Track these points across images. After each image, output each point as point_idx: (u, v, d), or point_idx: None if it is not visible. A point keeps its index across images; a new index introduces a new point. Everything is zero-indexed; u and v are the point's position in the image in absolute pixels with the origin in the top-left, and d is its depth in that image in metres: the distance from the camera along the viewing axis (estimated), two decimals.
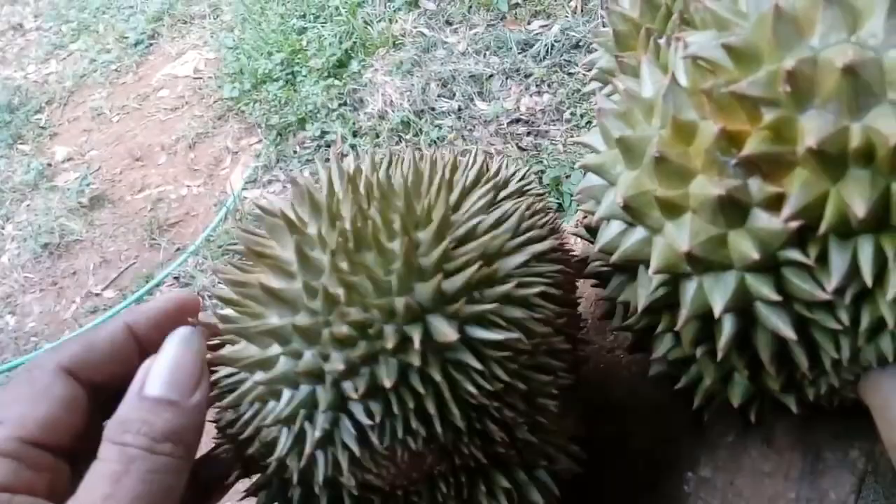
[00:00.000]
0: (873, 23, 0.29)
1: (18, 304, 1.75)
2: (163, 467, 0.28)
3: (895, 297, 0.28)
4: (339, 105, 2.06)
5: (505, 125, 1.95)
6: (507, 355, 0.30)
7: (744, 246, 0.30)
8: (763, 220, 0.30)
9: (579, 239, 0.50)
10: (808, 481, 0.39)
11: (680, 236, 0.32)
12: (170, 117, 2.26)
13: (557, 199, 1.66)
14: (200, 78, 2.37)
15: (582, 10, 2.09)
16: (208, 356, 0.31)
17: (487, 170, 0.39)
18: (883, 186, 0.28)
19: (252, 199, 1.91)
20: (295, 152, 1.95)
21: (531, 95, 2.01)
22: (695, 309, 0.32)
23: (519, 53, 2.04)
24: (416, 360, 0.28)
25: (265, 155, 1.96)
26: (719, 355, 0.32)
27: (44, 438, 0.29)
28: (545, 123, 1.94)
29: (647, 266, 0.34)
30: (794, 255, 0.30)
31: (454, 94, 2.01)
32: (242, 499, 0.35)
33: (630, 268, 0.36)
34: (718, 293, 0.31)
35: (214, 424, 0.32)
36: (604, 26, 0.49)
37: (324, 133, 1.99)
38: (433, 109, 1.99)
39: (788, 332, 0.30)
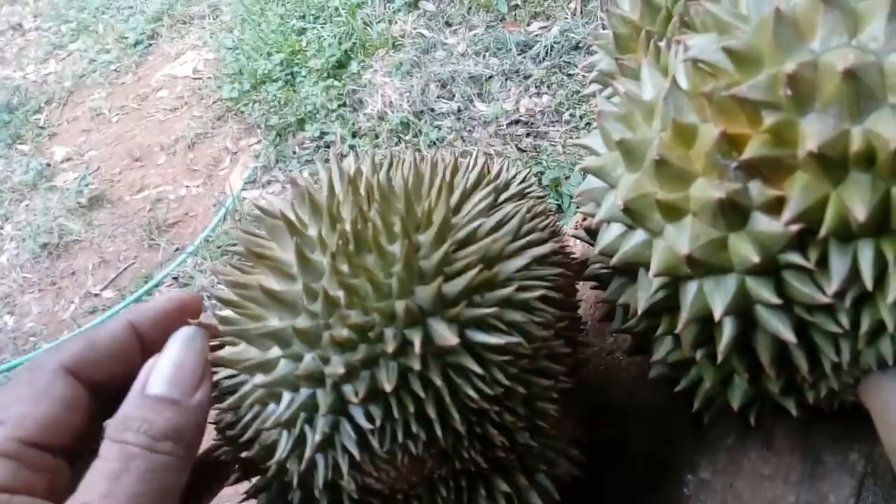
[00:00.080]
0: (874, 26, 0.29)
1: (17, 304, 1.74)
2: (162, 466, 0.28)
3: (895, 302, 0.28)
4: (339, 106, 2.06)
5: (504, 126, 1.95)
6: (507, 359, 0.30)
7: (744, 249, 0.30)
8: (763, 223, 0.30)
9: (579, 241, 0.50)
10: (807, 484, 0.39)
11: (680, 239, 0.32)
12: (169, 118, 2.26)
13: (557, 200, 1.66)
14: (200, 78, 2.37)
15: (581, 12, 2.09)
16: (209, 357, 0.31)
17: (488, 172, 0.39)
18: (883, 190, 0.28)
19: (251, 199, 1.90)
20: (294, 153, 1.95)
21: (530, 97, 2.01)
22: (695, 312, 0.32)
23: (518, 55, 2.05)
24: (416, 364, 0.28)
25: (264, 155, 1.96)
26: (719, 358, 0.32)
27: (43, 439, 0.29)
28: (544, 125, 1.94)
29: (648, 269, 0.34)
30: (795, 258, 0.30)
31: (453, 96, 2.02)
32: (242, 501, 0.35)
33: (630, 270, 0.36)
34: (719, 296, 0.31)
35: (214, 426, 0.32)
36: (603, 28, 0.49)
37: (323, 134, 1.99)
38: (432, 110, 1.99)
39: (788, 336, 0.30)
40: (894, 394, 0.31)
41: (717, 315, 0.31)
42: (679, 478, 0.41)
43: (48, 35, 2.89)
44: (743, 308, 0.31)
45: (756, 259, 0.29)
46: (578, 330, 0.41)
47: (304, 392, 0.29)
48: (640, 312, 0.35)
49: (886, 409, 0.31)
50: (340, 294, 0.28)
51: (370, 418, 0.28)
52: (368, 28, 2.21)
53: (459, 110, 2.01)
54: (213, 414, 0.32)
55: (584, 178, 0.39)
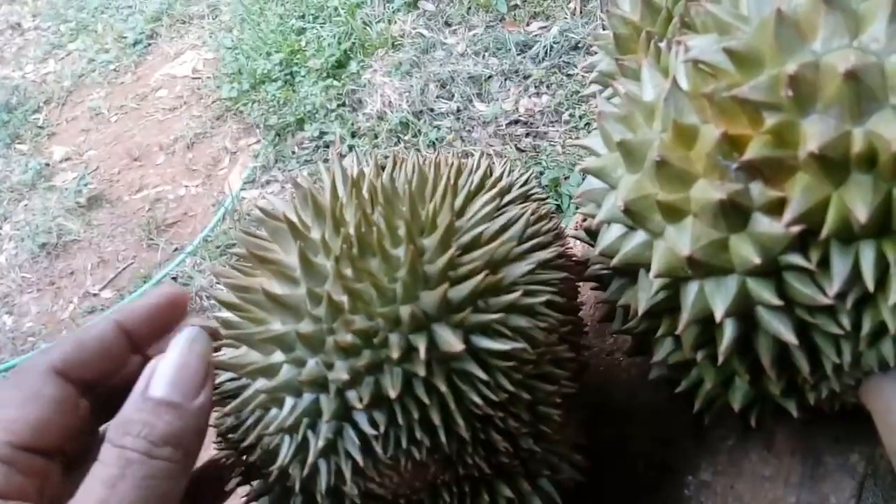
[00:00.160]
0: (875, 27, 0.29)
1: (16, 304, 1.74)
2: (160, 473, 0.27)
3: None
4: (338, 105, 2.06)
5: (504, 126, 1.95)
6: (512, 365, 0.30)
7: (745, 250, 0.30)
8: (764, 224, 0.30)
9: (579, 241, 0.50)
10: (808, 486, 0.39)
11: (681, 240, 0.31)
12: (168, 117, 2.26)
13: (556, 200, 1.66)
14: (199, 78, 2.36)
15: (581, 12, 2.09)
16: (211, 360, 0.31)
17: (491, 174, 0.39)
18: (885, 191, 0.28)
19: (250, 199, 1.90)
20: (293, 153, 1.95)
21: (530, 97, 2.01)
22: (696, 313, 0.32)
23: (518, 55, 2.05)
24: (421, 370, 0.27)
25: (263, 155, 1.96)
26: (720, 359, 0.32)
27: (34, 442, 0.29)
28: (544, 125, 1.94)
29: (648, 270, 0.33)
30: (796, 259, 0.29)
31: (453, 95, 2.02)
32: None
33: (630, 271, 0.36)
34: (719, 297, 0.31)
35: (216, 430, 0.32)
36: (603, 28, 0.49)
37: (322, 133, 1.99)
38: (432, 110, 1.99)
39: (790, 337, 0.30)
40: (895, 395, 0.31)
41: (718, 316, 0.31)
42: (679, 479, 0.41)
43: (47, 34, 2.88)
44: (744, 309, 0.31)
45: (757, 260, 0.29)
46: (581, 333, 0.40)
47: (308, 397, 0.28)
48: (640, 313, 0.35)
49: (888, 410, 0.31)
50: (344, 299, 0.28)
51: (374, 424, 0.28)
52: (368, 28, 2.21)
53: (459, 110, 2.01)
54: (214, 417, 0.32)
55: (583, 179, 0.39)
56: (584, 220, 0.45)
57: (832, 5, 0.30)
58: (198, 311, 1.60)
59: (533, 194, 0.40)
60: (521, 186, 0.39)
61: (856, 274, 0.29)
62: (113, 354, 0.31)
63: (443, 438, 0.29)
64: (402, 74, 2.06)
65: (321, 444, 0.28)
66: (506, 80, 2.06)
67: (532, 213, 0.36)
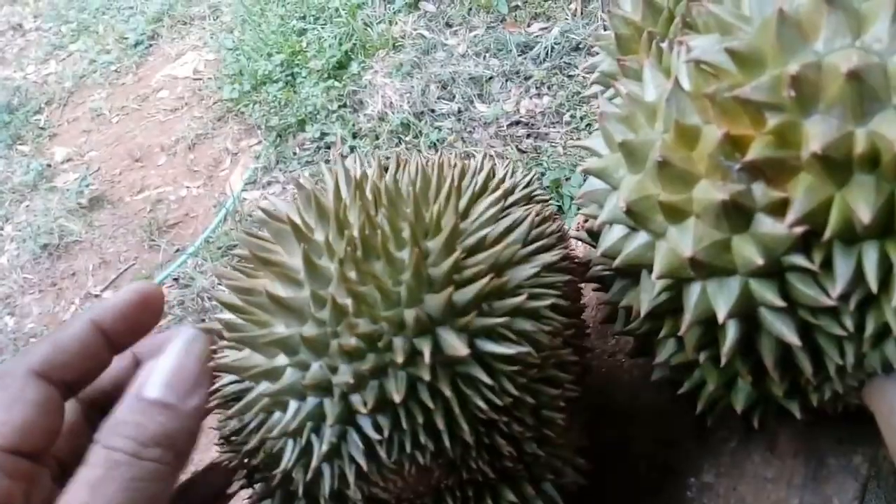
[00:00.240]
0: (878, 27, 0.29)
1: (17, 304, 1.74)
2: (148, 475, 0.27)
3: None
4: (339, 107, 2.06)
5: (505, 127, 1.95)
6: (516, 369, 0.29)
7: (748, 251, 0.30)
8: (767, 225, 0.30)
9: (580, 242, 0.50)
10: (811, 487, 0.39)
11: (683, 241, 0.31)
12: (169, 118, 2.26)
13: (558, 201, 1.66)
14: (200, 79, 2.37)
15: (582, 13, 2.09)
16: (211, 363, 0.31)
17: (494, 175, 0.39)
18: (888, 192, 0.28)
19: (251, 200, 1.90)
20: (294, 154, 1.95)
21: (531, 98, 2.01)
22: (698, 314, 0.32)
23: (519, 56, 2.05)
24: (425, 375, 0.27)
25: (265, 156, 1.96)
26: (723, 361, 0.32)
27: (19, 445, 0.28)
28: (545, 126, 1.94)
29: (650, 271, 0.33)
30: (799, 260, 0.29)
31: (454, 96, 2.02)
32: None
33: (632, 272, 0.36)
34: (722, 298, 0.31)
35: (218, 433, 0.32)
36: (604, 29, 0.48)
37: (323, 135, 1.99)
38: (433, 111, 1.99)
39: (793, 338, 0.30)
40: None
41: (720, 318, 0.30)
42: (682, 481, 0.41)
43: (48, 35, 2.89)
44: (747, 310, 0.31)
45: (760, 261, 0.29)
46: (584, 336, 0.40)
47: (311, 401, 0.28)
48: (642, 315, 0.35)
49: (891, 412, 0.31)
50: (349, 302, 0.28)
51: (378, 429, 0.28)
52: (369, 29, 2.21)
53: (460, 111, 2.01)
54: (216, 420, 0.32)
55: (585, 180, 0.39)
56: (586, 221, 0.45)
57: (834, 5, 0.30)
58: (199, 312, 1.60)
59: (536, 196, 0.40)
60: (525, 188, 0.39)
61: (859, 275, 0.28)
62: (91, 353, 0.31)
63: (447, 443, 0.28)
64: (403, 75, 2.06)
65: (325, 448, 0.28)
66: (507, 80, 2.06)
67: (536, 215, 0.35)
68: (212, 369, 0.31)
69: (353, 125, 1.97)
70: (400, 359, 0.27)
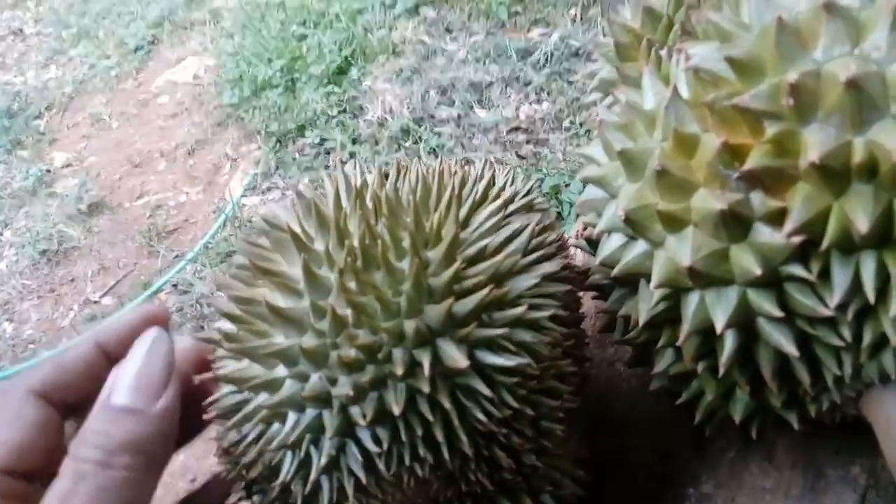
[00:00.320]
0: (876, 35, 0.29)
1: (16, 311, 1.74)
2: (118, 483, 0.27)
3: None
4: (339, 112, 2.06)
5: (504, 133, 1.95)
6: (516, 381, 0.29)
7: (746, 261, 0.30)
8: (765, 234, 0.30)
9: (580, 250, 0.50)
10: (809, 498, 0.39)
11: (681, 250, 0.31)
12: (169, 123, 2.27)
13: (557, 207, 1.66)
14: (200, 84, 2.37)
15: (581, 19, 2.09)
16: (211, 374, 0.31)
17: (494, 183, 0.38)
18: (886, 202, 0.27)
19: (251, 206, 1.90)
20: (294, 159, 1.95)
21: (530, 103, 2.02)
22: (696, 324, 0.32)
23: (518, 61, 2.05)
24: (425, 386, 0.27)
25: (264, 162, 1.96)
26: (721, 371, 0.32)
27: (16, 465, 0.28)
28: (544, 131, 1.94)
29: (649, 280, 0.33)
30: (797, 270, 0.29)
31: (454, 102, 2.02)
32: None
33: (631, 281, 0.36)
34: (720, 308, 0.31)
35: (217, 444, 0.32)
36: (603, 35, 0.48)
37: (323, 140, 1.99)
38: (433, 117, 1.99)
39: (791, 349, 0.30)
40: None
41: (718, 328, 0.30)
42: (680, 491, 0.41)
43: (49, 40, 2.89)
44: (744, 320, 0.31)
45: (758, 271, 0.29)
46: (583, 345, 0.40)
47: (311, 413, 0.28)
48: (640, 324, 0.34)
49: (889, 423, 0.30)
50: (348, 312, 0.28)
51: (377, 441, 0.28)
52: (369, 34, 2.21)
53: (459, 117, 2.01)
54: (215, 432, 0.32)
55: (584, 187, 0.39)
56: (585, 228, 0.44)
57: (833, 13, 0.30)
58: (198, 318, 1.59)
59: (536, 204, 0.40)
60: (525, 196, 0.39)
61: (856, 285, 0.28)
62: (93, 375, 0.31)
63: (446, 455, 0.28)
64: (403, 81, 2.06)
65: (324, 460, 0.28)
66: (506, 86, 2.06)
67: (536, 224, 0.35)
68: (214, 380, 0.30)
69: (353, 131, 1.97)
70: (399, 370, 0.27)
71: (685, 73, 0.34)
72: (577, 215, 0.40)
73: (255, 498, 0.33)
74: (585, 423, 0.39)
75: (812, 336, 0.30)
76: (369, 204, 0.33)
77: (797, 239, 0.29)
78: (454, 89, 2.03)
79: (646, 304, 0.34)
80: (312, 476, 0.28)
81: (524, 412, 0.30)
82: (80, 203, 1.99)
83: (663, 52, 0.38)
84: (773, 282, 0.30)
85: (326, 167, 1.96)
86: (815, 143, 0.28)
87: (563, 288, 0.34)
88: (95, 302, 1.71)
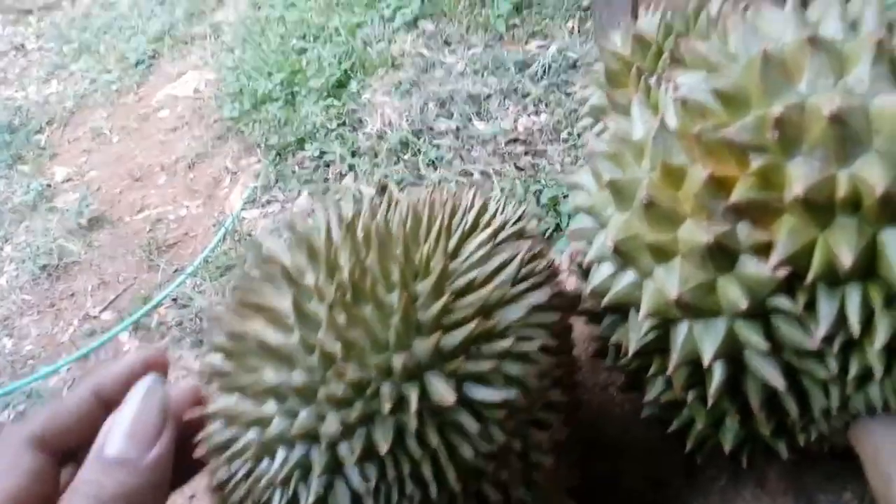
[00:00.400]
0: (860, 69, 0.29)
1: (16, 326, 1.74)
2: None
3: (882, 347, 0.28)
4: (338, 125, 2.07)
5: (503, 145, 1.95)
6: (505, 414, 0.29)
7: (732, 293, 0.30)
8: (751, 266, 0.30)
9: (573, 273, 0.50)
10: None
11: (669, 282, 0.31)
12: (170, 137, 2.27)
13: (555, 218, 1.66)
14: (200, 98, 2.38)
15: (579, 31, 2.10)
16: (200, 410, 0.31)
17: (485, 210, 0.39)
18: (870, 235, 0.28)
19: (251, 219, 1.90)
20: (294, 172, 1.95)
21: (529, 115, 2.02)
22: (685, 355, 0.32)
23: (516, 73, 2.05)
24: (412, 423, 0.27)
25: (264, 175, 1.96)
26: (709, 402, 0.32)
27: None
28: (543, 143, 1.94)
29: (639, 309, 0.33)
30: (783, 302, 0.29)
31: (452, 114, 2.02)
32: None
33: (622, 308, 0.36)
34: (708, 340, 0.31)
35: (209, 479, 0.32)
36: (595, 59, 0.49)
37: (323, 153, 1.99)
38: (431, 129, 1.99)
39: (778, 382, 0.30)
40: (883, 440, 0.30)
41: (706, 361, 0.30)
42: None
43: (50, 55, 2.91)
44: (732, 352, 0.31)
45: (744, 305, 0.29)
46: (574, 371, 0.40)
47: (299, 450, 0.28)
48: (630, 353, 0.35)
49: (876, 453, 0.30)
50: (337, 348, 0.28)
51: (365, 478, 0.28)
52: (368, 48, 2.22)
53: (458, 129, 2.01)
54: (207, 468, 0.31)
55: (575, 216, 0.39)
56: (578, 253, 0.44)
57: (817, 47, 0.30)
58: (197, 332, 1.59)
59: (527, 231, 0.40)
60: (516, 223, 0.39)
61: (842, 318, 0.28)
62: (90, 422, 0.31)
63: (434, 493, 0.28)
64: (402, 94, 2.07)
65: (311, 498, 0.28)
66: (505, 98, 2.06)
67: (527, 252, 0.35)
68: (202, 417, 0.31)
69: (353, 143, 1.98)
70: (387, 407, 0.27)
71: (673, 103, 0.34)
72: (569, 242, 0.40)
73: None
74: (578, 447, 0.39)
75: (799, 368, 0.30)
76: (360, 234, 0.33)
77: (783, 272, 0.29)
78: (453, 102, 2.04)
79: (635, 334, 0.34)
80: None
81: (513, 446, 0.30)
82: (80, 217, 1.99)
83: (652, 81, 0.39)
84: (759, 314, 0.30)
85: (326, 180, 1.96)
86: (799, 177, 0.29)
87: (552, 317, 0.34)
88: (95, 317, 1.71)
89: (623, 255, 0.33)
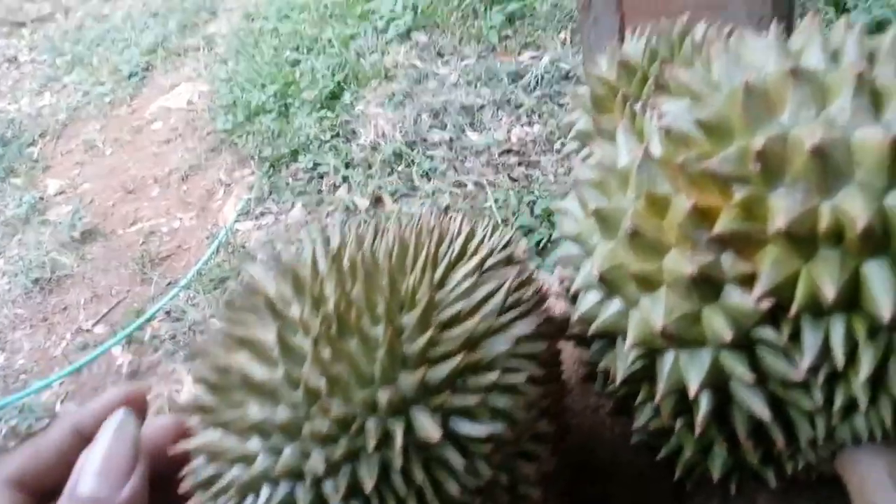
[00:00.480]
0: (841, 100, 0.30)
1: (8, 340, 1.73)
2: None
3: (867, 378, 0.28)
4: (332, 136, 2.07)
5: (496, 156, 1.96)
6: (491, 448, 0.29)
7: (717, 324, 0.30)
8: (736, 297, 0.30)
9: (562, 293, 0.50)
10: None
11: (655, 312, 0.31)
12: (163, 149, 2.27)
13: (549, 229, 1.66)
14: (194, 110, 2.38)
15: (571, 42, 2.11)
16: (185, 446, 0.31)
17: (473, 236, 0.39)
18: (852, 268, 0.28)
19: (244, 231, 1.90)
20: (287, 184, 1.96)
21: (522, 126, 2.03)
22: (671, 385, 0.32)
23: (509, 84, 2.06)
24: (398, 459, 0.27)
25: (258, 187, 1.96)
26: (697, 431, 0.32)
27: None
28: (536, 154, 1.95)
29: (626, 337, 0.33)
30: (768, 333, 0.29)
31: (446, 125, 2.03)
32: None
33: (610, 334, 0.36)
34: (694, 371, 0.31)
35: None
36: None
37: (316, 164, 2.00)
38: (425, 140, 2.00)
39: (764, 413, 0.30)
40: (870, 470, 0.31)
41: (691, 391, 0.30)
42: None
43: (43, 68, 2.91)
44: (718, 382, 0.31)
45: (728, 336, 0.29)
46: (563, 397, 0.40)
47: (284, 487, 0.28)
48: (618, 381, 0.35)
49: (862, 484, 0.31)
50: (322, 383, 0.28)
51: None
52: (361, 59, 2.23)
53: (451, 140, 2.02)
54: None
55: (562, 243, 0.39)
56: (565, 279, 0.45)
57: (799, 78, 0.30)
58: (190, 346, 1.59)
59: (515, 257, 0.40)
60: (503, 249, 0.39)
61: (826, 349, 0.28)
62: (69, 460, 0.31)
63: None
64: (396, 105, 2.07)
65: None
66: (498, 109, 2.07)
67: (515, 279, 0.35)
68: (188, 453, 0.30)
69: (346, 155, 1.98)
70: (372, 443, 0.27)
71: (658, 132, 0.34)
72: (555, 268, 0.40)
73: None
74: (567, 472, 0.39)
75: (785, 398, 0.30)
76: (346, 265, 0.33)
77: (767, 303, 0.29)
78: (446, 113, 2.05)
79: (622, 363, 0.34)
80: None
81: (499, 479, 0.30)
82: (73, 230, 1.99)
83: (638, 107, 0.39)
84: (744, 344, 0.30)
85: (319, 191, 1.96)
86: (781, 209, 0.29)
87: (539, 346, 0.34)
88: (88, 331, 1.71)
89: (609, 284, 0.33)
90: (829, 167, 0.28)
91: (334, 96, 2.17)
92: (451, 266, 0.35)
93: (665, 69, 0.37)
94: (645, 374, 0.34)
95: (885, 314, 0.27)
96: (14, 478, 0.30)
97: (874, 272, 0.27)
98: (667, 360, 0.32)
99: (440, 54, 2.21)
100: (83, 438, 0.31)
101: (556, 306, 0.47)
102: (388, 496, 0.28)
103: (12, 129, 2.50)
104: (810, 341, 0.29)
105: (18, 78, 2.90)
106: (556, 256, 0.38)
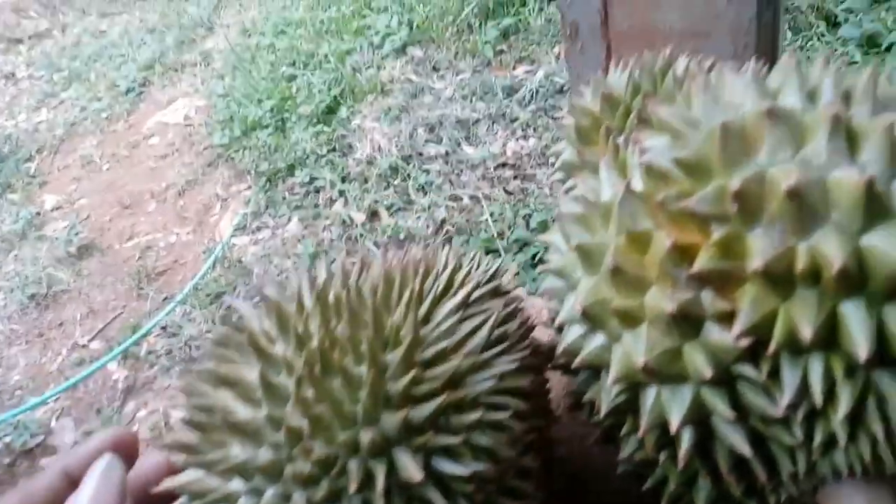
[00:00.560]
0: (817, 142, 0.30)
1: (4, 356, 1.73)
2: None
3: (845, 416, 0.28)
4: (328, 151, 2.08)
5: (492, 169, 1.97)
6: (474, 487, 0.29)
7: (698, 361, 0.30)
8: (716, 334, 0.30)
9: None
10: None
11: (636, 347, 0.32)
12: (160, 165, 2.28)
13: (544, 243, 1.66)
14: (191, 125, 2.39)
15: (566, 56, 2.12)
16: (170, 484, 0.31)
17: (459, 269, 0.39)
18: (829, 308, 0.28)
19: (241, 245, 1.90)
20: (284, 198, 1.96)
21: (517, 140, 2.04)
22: (654, 419, 0.32)
23: (504, 98, 2.08)
24: (379, 501, 0.27)
25: (254, 201, 1.97)
26: (679, 465, 0.32)
27: None
28: (531, 167, 1.96)
29: (609, 371, 0.34)
30: (747, 370, 0.30)
31: (441, 139, 2.04)
32: None
33: (595, 367, 0.37)
34: (675, 406, 0.31)
35: None
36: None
37: (313, 179, 2.00)
38: (421, 154, 2.01)
39: (745, 449, 0.30)
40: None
41: (673, 427, 0.31)
42: None
43: (40, 84, 2.92)
44: (700, 417, 0.31)
45: (709, 374, 0.30)
46: (549, 429, 0.40)
47: None
48: (602, 413, 0.35)
49: None
50: (304, 424, 0.28)
51: None
52: (357, 74, 2.24)
53: (447, 154, 2.03)
54: None
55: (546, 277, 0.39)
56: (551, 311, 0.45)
57: (775, 119, 0.31)
58: (186, 361, 1.59)
59: (501, 288, 0.40)
60: (489, 281, 0.40)
61: (805, 387, 0.29)
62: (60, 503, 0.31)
63: None
64: (391, 119, 2.08)
65: None
66: (493, 123, 2.08)
67: (500, 311, 0.36)
68: (171, 493, 0.31)
69: (343, 169, 1.99)
70: (354, 485, 0.27)
71: (639, 167, 0.35)
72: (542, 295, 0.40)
73: None
74: (554, 502, 0.39)
75: (766, 434, 0.31)
76: (331, 300, 0.33)
77: (746, 341, 0.29)
78: (442, 127, 2.06)
79: (606, 395, 0.34)
80: None
81: None
82: (69, 246, 1.99)
83: (620, 140, 0.39)
84: (725, 381, 0.31)
85: (316, 206, 1.97)
86: (759, 249, 0.29)
87: (523, 381, 0.34)
88: (84, 346, 1.71)
89: (592, 319, 0.34)
90: (805, 208, 0.29)
91: (331, 111, 2.19)
92: (437, 301, 0.35)
93: (647, 103, 0.37)
94: (629, 406, 0.34)
95: (862, 354, 0.27)
96: None
97: (851, 312, 0.28)
98: (649, 395, 0.32)
99: (436, 69, 2.22)
100: (72, 482, 0.31)
101: (546, 333, 0.47)
102: None
103: (9, 145, 2.51)
104: (789, 379, 0.29)
105: (16, 94, 2.91)
106: (542, 287, 0.38)
